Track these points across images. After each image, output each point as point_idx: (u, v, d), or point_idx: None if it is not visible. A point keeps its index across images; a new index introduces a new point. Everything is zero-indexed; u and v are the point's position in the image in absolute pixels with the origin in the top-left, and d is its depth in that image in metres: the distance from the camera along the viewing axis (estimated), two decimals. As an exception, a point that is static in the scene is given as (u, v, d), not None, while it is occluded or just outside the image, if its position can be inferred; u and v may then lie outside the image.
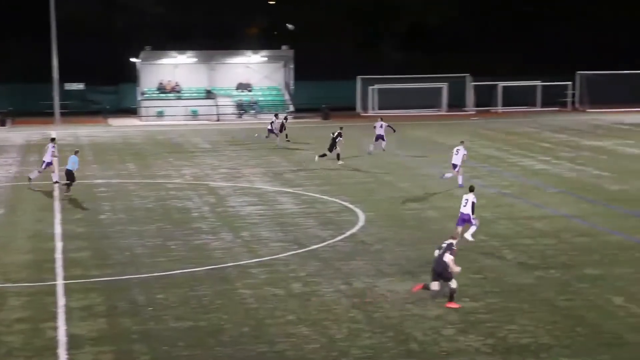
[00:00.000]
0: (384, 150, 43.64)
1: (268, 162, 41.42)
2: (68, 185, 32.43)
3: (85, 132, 56.83)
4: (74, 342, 16.29)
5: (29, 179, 34.39)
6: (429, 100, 70.66)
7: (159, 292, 19.58)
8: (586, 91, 70.90)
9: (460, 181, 32.94)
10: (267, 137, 49.06)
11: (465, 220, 23.84)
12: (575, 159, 40.96)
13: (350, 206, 29.71)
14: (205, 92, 68.42)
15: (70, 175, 32.36)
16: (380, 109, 69.34)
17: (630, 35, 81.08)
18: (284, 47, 69.77)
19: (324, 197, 31.64)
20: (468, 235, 23.92)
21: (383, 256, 22.78)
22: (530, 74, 72.02)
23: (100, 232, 25.92)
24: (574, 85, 71.80)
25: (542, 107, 70.32)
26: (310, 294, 19.44)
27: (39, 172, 34.58)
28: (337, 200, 30.92)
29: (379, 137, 43.82)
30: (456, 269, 18.60)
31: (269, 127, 49.21)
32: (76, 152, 33.77)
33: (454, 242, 18.89)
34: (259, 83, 70.27)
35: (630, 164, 39.20)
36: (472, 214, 23.62)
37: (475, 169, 38.43)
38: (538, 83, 71.34)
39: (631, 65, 72.70)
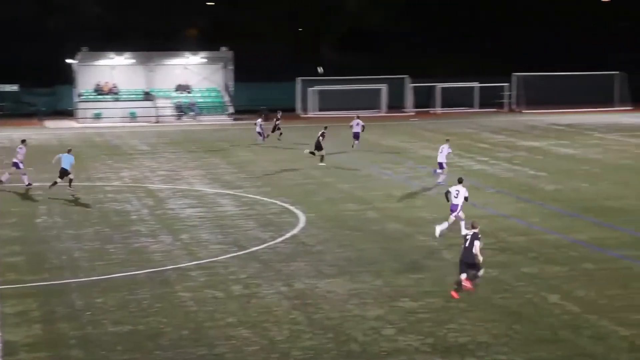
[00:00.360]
0: (353, 147, 45.63)
1: (207, 164, 41.20)
2: (54, 184, 32.72)
3: (21, 134, 55.67)
4: (8, 349, 15.98)
5: (0, 182, 34.29)
6: (369, 101, 71.04)
7: (97, 296, 19.33)
8: (522, 92, 72.07)
9: (440, 179, 33.49)
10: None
11: (453, 211, 24.89)
12: (512, 159, 41.60)
13: (291, 207, 29.72)
14: (143, 94, 67.73)
15: (64, 173, 32.54)
16: (320, 110, 69.54)
17: (564, 37, 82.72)
18: (223, 49, 69.46)
19: (264, 198, 31.59)
20: (439, 229, 24.79)
21: (323, 257, 22.82)
22: (468, 76, 73.03)
23: (36, 236, 25.49)
24: (510, 86, 72.90)
25: (479, 108, 71.24)
26: (250, 296, 19.39)
27: (10, 174, 34.66)
28: (277, 201, 30.90)
29: (356, 135, 46.27)
30: (480, 257, 19.15)
31: (258, 129, 49.28)
32: (69, 151, 34.05)
33: (477, 230, 19.35)
34: (198, 84, 69.84)
35: (565, 164, 39.95)
36: (461, 205, 24.85)
37: (414, 169, 38.77)
38: (475, 84, 72.28)
39: (565, 66, 74.21)
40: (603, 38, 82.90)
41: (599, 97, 71.07)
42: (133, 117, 64.68)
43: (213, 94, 70.27)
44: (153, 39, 76.51)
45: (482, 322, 17.37)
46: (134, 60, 68.42)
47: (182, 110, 66.64)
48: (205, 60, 70.10)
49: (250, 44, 76.15)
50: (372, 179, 35.86)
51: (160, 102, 66.44)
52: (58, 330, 17.10)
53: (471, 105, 71.38)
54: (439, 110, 71.40)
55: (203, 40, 79.27)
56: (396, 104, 71.83)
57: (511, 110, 70.97)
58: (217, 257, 22.99)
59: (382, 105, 71.41)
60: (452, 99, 70.63)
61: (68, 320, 17.64)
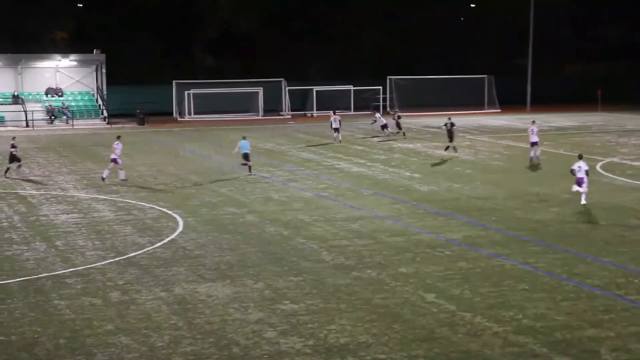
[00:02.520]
0: (340, 142, 49.49)
1: (82, 169, 40.25)
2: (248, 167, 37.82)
3: None
4: None
5: (103, 179, 35.94)
6: (246, 104, 71.07)
7: (-34, 307, 18.61)
8: (396, 95, 73.55)
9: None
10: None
11: (580, 184, 29.84)
12: (389, 162, 42.41)
13: (169, 212, 29.40)
14: (12, 97, 65.53)
15: (247, 157, 37.93)
16: (196, 113, 69.03)
17: (433, 42, 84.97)
18: (95, 51, 68.04)
19: (141, 203, 31.12)
20: (583, 199, 29.68)
21: (203, 261, 22.68)
22: (344, 79, 74.05)
23: None
24: (384, 89, 74.28)
25: (354, 111, 72.24)
26: (129, 302, 19.07)
27: (109, 169, 36.36)
28: (155, 206, 30.51)
29: (336, 130, 50.56)
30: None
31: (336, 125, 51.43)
32: (244, 137, 38.29)
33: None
34: (70, 88, 68.15)
35: (438, 166, 41.04)
36: (587, 177, 29.95)
37: (292, 172, 39.01)
38: (350, 87, 73.29)
39: (436, 70, 76.34)
40: (469, 43, 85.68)
41: (469, 100, 73.40)
42: (2, 121, 62.48)
43: (86, 97, 68.71)
44: (21, 42, 74.13)
45: (362, 323, 17.65)
46: (0, 63, 66.15)
47: (53, 114, 64.83)
48: (76, 63, 68.50)
49: (123, 47, 74.92)
50: (250, 182, 35.86)
51: (30, 106, 64.42)
52: None
53: (347, 108, 72.29)
54: (315, 113, 72.04)
55: (74, 43, 77.45)
56: (273, 107, 72.10)
57: (386, 113, 72.27)
58: (94, 263, 22.51)
59: (258, 108, 71.50)
60: (328, 102, 71.42)
61: (-64, 333, 16.93)
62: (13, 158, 38.19)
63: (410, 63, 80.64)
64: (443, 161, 42.56)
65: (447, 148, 44.86)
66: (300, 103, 73.07)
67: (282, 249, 24.05)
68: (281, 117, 70.81)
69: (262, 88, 71.56)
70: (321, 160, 43.44)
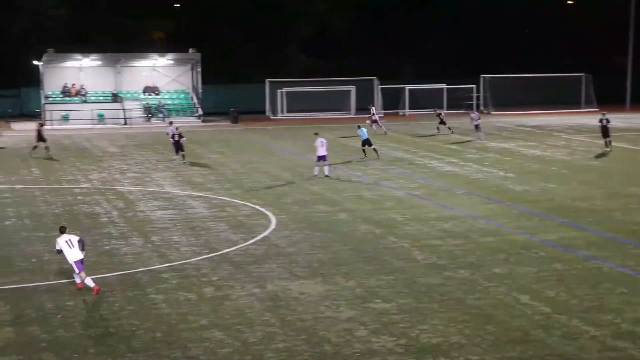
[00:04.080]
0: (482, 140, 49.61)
1: (178, 166, 41.03)
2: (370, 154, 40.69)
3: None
4: (-21, 353, 15.85)
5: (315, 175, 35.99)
6: (338, 103, 71.20)
7: (68, 299, 19.19)
8: (490, 94, 72.57)
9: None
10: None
11: None
12: (482, 161, 41.90)
13: (262, 209, 29.71)
14: (111, 96, 67.31)
15: (367, 143, 41.07)
16: (289, 112, 69.54)
17: (530, 38, 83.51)
18: (191, 50, 69.23)
19: (234, 200, 31.54)
20: None
21: (295, 259, 22.84)
22: (436, 78, 73.41)
23: (5, 239, 25.25)
24: (478, 88, 73.37)
25: (447, 110, 71.59)
26: (223, 298, 19.36)
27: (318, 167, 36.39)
28: (248, 203, 30.87)
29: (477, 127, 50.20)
30: None
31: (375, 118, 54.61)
32: (359, 127, 39.53)
33: None
34: (166, 86, 69.56)
35: (533, 165, 40.32)
36: None
37: (384, 170, 38.92)
38: (443, 86, 72.65)
39: (531, 68, 74.96)
40: (567, 41, 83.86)
41: (565, 99, 71.85)
42: (101, 119, 64.23)
43: (181, 95, 70.03)
44: (120, 41, 76.07)
45: (455, 323, 17.49)
46: (100, 62, 67.99)
47: (150, 112, 66.30)
48: (173, 62, 69.85)
49: (218, 46, 76.07)
50: (342, 181, 35.94)
51: (128, 104, 66.08)
52: (29, 333, 16.96)
53: (439, 107, 71.67)
54: (407, 111, 71.68)
55: (171, 42, 79.01)
56: (365, 106, 72.00)
57: (479, 112, 71.34)
58: (188, 259, 22.93)
59: (351, 107, 71.55)
60: (420, 101, 70.94)
61: (39, 323, 17.50)
62: (178, 147, 41.40)
63: (503, 61, 79.40)
64: (538, 160, 41.78)
65: (607, 144, 45.31)
66: (392, 102, 72.77)
67: (373, 248, 24.03)
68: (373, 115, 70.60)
69: (354, 87, 71.61)
70: (413, 159, 43.21)
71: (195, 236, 25.70)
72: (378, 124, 55.74)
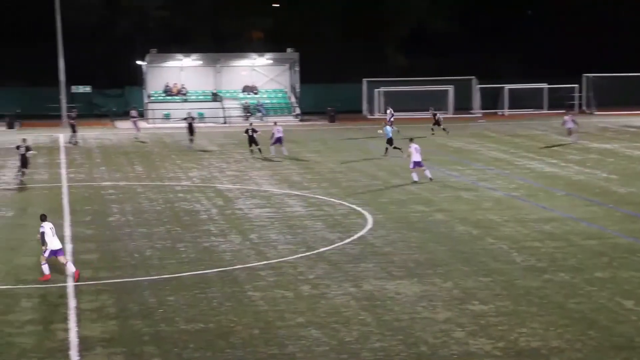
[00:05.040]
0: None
1: (275, 164, 41.47)
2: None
3: (93, 134, 57.00)
4: (85, 344, 16.32)
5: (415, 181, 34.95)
6: (435, 102, 70.61)
7: (169, 294, 19.62)
8: (593, 94, 70.84)
9: None
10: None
11: None
12: (584, 162, 40.93)
13: (358, 209, 29.74)
14: (211, 95, 68.51)
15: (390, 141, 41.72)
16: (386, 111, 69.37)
17: (635, 36, 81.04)
18: (289, 50, 69.86)
19: (331, 199, 31.67)
20: None
21: (392, 259, 22.78)
22: (536, 77, 72.07)
23: (110, 235, 25.98)
24: (580, 87, 71.72)
25: (548, 109, 70.25)
26: (319, 297, 19.46)
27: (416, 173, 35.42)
28: (344, 202, 30.96)
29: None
30: None
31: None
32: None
33: None
34: (264, 86, 70.36)
35: (638, 167, 39.16)
36: None
37: (482, 171, 38.45)
38: (544, 86, 71.29)
39: (636, 67, 72.69)
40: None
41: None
42: (201, 117, 65.41)
43: (279, 95, 70.73)
44: (220, 41, 77.34)
45: (555, 327, 17.14)
46: (201, 62, 69.28)
47: (249, 111, 67.21)
48: (272, 61, 70.61)
49: (315, 45, 76.49)
50: (439, 181, 35.66)
51: (227, 103, 67.14)
52: (132, 326, 17.41)
53: (540, 107, 70.42)
54: (506, 111, 70.65)
55: (269, 42, 79.83)
56: (463, 106, 71.34)
57: (582, 112, 69.75)
58: (286, 257, 23.14)
59: (448, 106, 70.97)
60: (520, 101, 69.77)
61: (142, 317, 17.95)
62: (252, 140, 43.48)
63: (607, 59, 77.29)
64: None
65: None
66: (491, 101, 71.82)
67: (471, 249, 23.76)
68: (471, 115, 69.92)
69: (452, 86, 70.99)
70: (512, 159, 42.55)
71: (293, 234, 25.91)
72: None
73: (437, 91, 70.74)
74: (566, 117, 50.74)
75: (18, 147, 36.77)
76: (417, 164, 35.17)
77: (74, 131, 51.74)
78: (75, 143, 50.84)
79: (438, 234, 25.69)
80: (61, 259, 20.94)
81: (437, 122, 54.48)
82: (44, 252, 20.69)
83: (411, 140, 36.11)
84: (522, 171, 38.51)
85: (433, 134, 53.47)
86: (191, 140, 48.21)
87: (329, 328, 17.32)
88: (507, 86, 71.08)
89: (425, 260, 22.60)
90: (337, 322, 17.65)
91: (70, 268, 20.76)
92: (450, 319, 17.72)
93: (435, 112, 56.61)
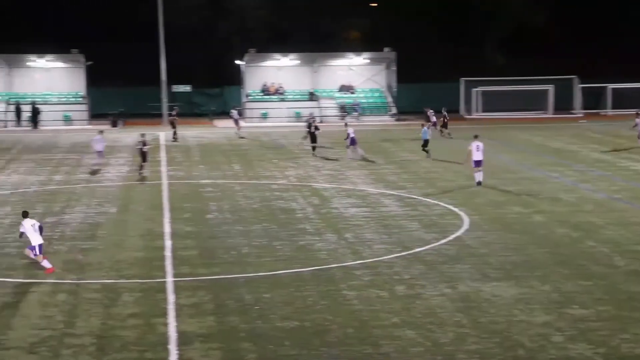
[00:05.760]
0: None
1: (371, 164, 41.45)
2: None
3: (192, 133, 58.12)
4: (183, 338, 16.66)
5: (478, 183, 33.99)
6: (534, 102, 69.43)
7: (265, 291, 19.84)
8: None
9: None
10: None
11: None
12: (690, 164, 39.59)
13: (454, 209, 29.47)
14: (308, 94, 68.96)
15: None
16: (484, 111, 68.56)
17: None
18: (386, 49, 69.73)
19: (427, 199, 31.48)
20: None
21: (488, 260, 22.49)
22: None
23: (208, 232, 26.43)
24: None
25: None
26: (414, 297, 19.36)
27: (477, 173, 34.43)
28: (440, 203, 30.72)
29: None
30: None
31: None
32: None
33: None
34: (361, 85, 70.40)
35: None
36: None
37: (583, 172, 37.58)
38: (649, 85, 69.23)
39: None
40: None
41: None
42: (298, 117, 65.91)
43: (376, 94, 70.67)
44: (317, 41, 77.78)
45: (658, 334, 16.63)
46: (298, 62, 69.80)
47: (345, 110, 67.38)
48: (368, 61, 70.60)
49: (412, 45, 76.14)
50: (538, 182, 35.02)
51: (324, 103, 67.46)
52: (229, 322, 17.67)
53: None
54: (609, 112, 68.82)
55: (366, 41, 79.88)
56: (563, 106, 69.86)
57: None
58: (381, 256, 23.11)
59: (548, 106, 69.61)
60: (624, 101, 67.85)
61: (238, 314, 18.20)
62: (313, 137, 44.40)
63: None
64: None
65: None
66: (593, 101, 70.10)
67: (570, 252, 23.26)
68: (572, 115, 68.41)
69: (552, 86, 69.60)
70: (615, 161, 41.45)
71: (388, 234, 25.86)
72: (435, 127, 53.17)
73: (537, 91, 69.45)
74: (638, 120, 47.75)
75: (137, 144, 38.75)
76: (477, 163, 34.10)
77: (174, 128, 53.06)
78: (174, 140, 52.04)
79: (536, 236, 25.23)
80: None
81: (445, 125, 52.97)
82: (33, 248, 21.33)
83: (475, 137, 35.07)
84: (626, 173, 37.47)
85: (442, 134, 52.33)
86: (312, 143, 46.54)
87: (424, 329, 17.22)
88: (611, 85, 69.26)
89: (522, 262, 22.23)
90: (432, 323, 17.53)
91: (46, 265, 21.33)
92: (548, 323, 17.39)
93: (445, 113, 55.03)
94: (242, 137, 54.56)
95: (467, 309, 18.45)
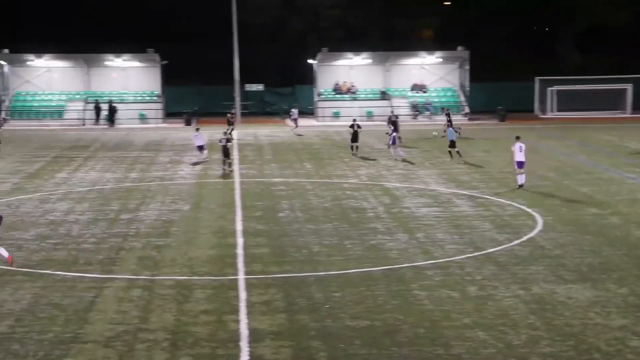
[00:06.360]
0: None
1: (443, 163, 41.16)
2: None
3: (265, 132, 58.58)
4: (255, 336, 16.77)
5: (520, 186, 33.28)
6: (612, 102, 68.00)
7: (335, 290, 19.85)
8: None
9: None
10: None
11: None
12: None
13: (528, 210, 29.05)
14: (380, 93, 68.81)
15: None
16: (559, 110, 67.46)
17: None
18: (459, 48, 69.15)
19: (499, 200, 31.11)
20: None
21: (563, 262, 22.11)
22: None
23: (279, 230, 26.57)
24: None
25: None
26: (486, 298, 19.15)
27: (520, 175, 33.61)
28: (513, 203, 30.33)
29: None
30: None
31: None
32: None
33: None
34: (433, 84, 69.96)
35: None
36: None
37: (661, 174, 36.71)
38: None
39: None
40: None
41: None
42: (370, 116, 65.83)
43: (449, 93, 70.14)
44: (389, 39, 77.58)
45: None
46: (370, 61, 69.71)
47: (417, 109, 67.04)
48: (441, 59, 70.11)
49: (486, 43, 75.38)
50: (614, 183, 34.30)
51: (396, 102, 67.24)
52: (299, 321, 17.73)
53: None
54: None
55: (439, 40, 79.35)
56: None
57: None
58: (452, 257, 22.92)
59: (626, 106, 68.09)
60: None
61: (308, 312, 18.25)
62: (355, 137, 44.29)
63: None
64: None
65: None
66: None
67: (631, 253, 22.71)
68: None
69: (631, 85, 68.05)
70: (695, 161, 40.35)
71: (460, 234, 25.63)
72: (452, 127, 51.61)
73: (614, 90, 68.02)
74: None
75: (220, 140, 39.54)
76: (520, 164, 33.24)
77: (230, 126, 53.69)
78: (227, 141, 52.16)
79: (613, 238, 24.72)
80: None
81: (449, 122, 50.84)
82: None
83: (517, 138, 34.16)
84: None
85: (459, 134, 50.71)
86: (352, 142, 46.15)
87: (496, 330, 17.01)
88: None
89: (598, 264, 21.80)
90: (504, 325, 17.31)
91: (3, 253, 21.76)
92: (625, 327, 17.00)
93: (449, 113, 53.59)
94: (300, 135, 55.76)
95: (540, 311, 18.17)
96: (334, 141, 52.38)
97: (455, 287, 19.99)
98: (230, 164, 39.10)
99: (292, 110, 60.45)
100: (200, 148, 43.16)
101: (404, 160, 42.17)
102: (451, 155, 41.75)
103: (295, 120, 59.11)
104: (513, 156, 33.48)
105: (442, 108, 59.60)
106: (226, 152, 38.99)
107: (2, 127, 45.96)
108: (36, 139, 55.26)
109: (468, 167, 39.64)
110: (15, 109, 67.15)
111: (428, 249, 23.84)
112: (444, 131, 48.28)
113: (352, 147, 45.08)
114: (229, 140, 39.51)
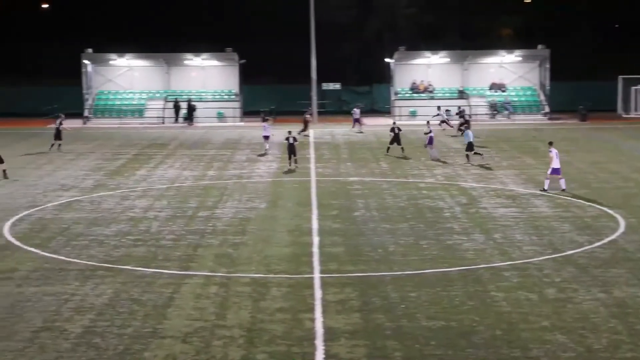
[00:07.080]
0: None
1: (521, 164, 40.57)
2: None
3: (341, 131, 58.63)
4: (330, 334, 16.79)
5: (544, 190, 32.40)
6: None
7: (411, 290, 19.74)
8: None
9: None
10: None
11: None
12: None
13: (609, 211, 28.42)
14: (457, 92, 68.20)
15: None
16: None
17: None
18: (539, 47, 68.05)
19: (580, 201, 30.51)
20: None
21: (646, 265, 21.58)
22: None
23: (355, 229, 26.55)
24: None
25: None
26: (565, 301, 18.79)
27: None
28: (594, 204, 29.71)
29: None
30: None
31: None
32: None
33: None
34: (513, 83, 69.01)
35: None
36: None
37: None
38: None
39: None
40: None
41: None
42: (450, 116, 65.18)
43: (528, 92, 69.10)
44: (467, 38, 76.85)
45: None
46: (448, 59, 69.15)
47: (495, 109, 66.22)
48: (521, 58, 69.12)
49: (567, 42, 74.06)
50: (702, 185, 33.30)
51: (474, 101, 66.54)
52: (375, 320, 17.68)
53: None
54: None
55: (519, 39, 78.25)
56: None
57: None
58: (530, 258, 22.56)
59: None
60: None
61: (384, 312, 18.18)
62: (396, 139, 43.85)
63: None
64: None
65: None
66: None
67: None
68: None
69: None
70: None
71: (538, 235, 25.22)
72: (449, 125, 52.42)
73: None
74: None
75: (287, 139, 40.16)
76: (555, 170, 32.19)
77: (305, 128, 54.10)
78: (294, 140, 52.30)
79: (697, 241, 24.00)
80: None
81: (466, 122, 50.62)
82: None
83: (550, 144, 33.21)
84: None
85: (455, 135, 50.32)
86: (391, 144, 45.25)
87: (576, 334, 16.68)
88: None
89: (683, 268, 21.20)
90: (584, 328, 16.96)
91: None
92: None
93: (464, 114, 52.81)
94: (361, 132, 56.53)
95: (622, 315, 17.75)
96: (409, 140, 52.01)
97: (533, 289, 19.68)
98: (295, 161, 39.88)
99: (354, 109, 60.01)
100: (266, 138, 46.09)
101: (437, 160, 41.70)
102: (468, 159, 40.86)
103: (357, 120, 58.58)
104: (551, 162, 32.32)
105: (458, 108, 58.70)
106: (292, 150, 39.86)
107: (62, 125, 47.29)
108: (117, 136, 56.44)
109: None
110: (98, 107, 68.69)
111: (505, 250, 23.51)
112: (461, 134, 47.83)
113: (387, 149, 44.54)
114: (295, 139, 40.23)
